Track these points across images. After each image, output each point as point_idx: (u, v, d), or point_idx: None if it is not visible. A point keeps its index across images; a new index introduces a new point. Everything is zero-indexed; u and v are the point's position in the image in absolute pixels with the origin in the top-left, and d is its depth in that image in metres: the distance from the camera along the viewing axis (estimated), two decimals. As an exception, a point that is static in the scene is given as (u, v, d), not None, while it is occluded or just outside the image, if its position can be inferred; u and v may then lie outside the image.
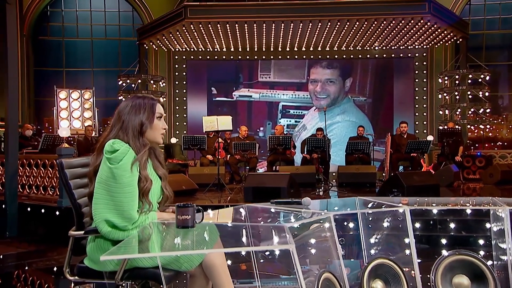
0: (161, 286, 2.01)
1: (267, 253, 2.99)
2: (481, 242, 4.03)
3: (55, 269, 4.57)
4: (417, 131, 12.44)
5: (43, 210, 6.13)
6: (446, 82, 11.99)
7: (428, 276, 2.39)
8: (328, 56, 12.75)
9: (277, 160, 9.06)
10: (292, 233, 1.98)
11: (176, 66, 12.92)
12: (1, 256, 5.06)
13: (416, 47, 12.48)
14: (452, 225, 4.78)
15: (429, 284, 2.38)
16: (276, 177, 6.35)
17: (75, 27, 14.07)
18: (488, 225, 2.77)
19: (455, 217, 4.75)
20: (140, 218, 2.01)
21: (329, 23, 10.56)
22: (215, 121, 7.50)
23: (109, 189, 1.94)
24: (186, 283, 2.15)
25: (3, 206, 6.26)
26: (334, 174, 10.03)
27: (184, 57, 12.89)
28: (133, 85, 11.86)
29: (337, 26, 10.72)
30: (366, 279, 2.24)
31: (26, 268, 4.66)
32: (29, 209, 6.32)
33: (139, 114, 2.11)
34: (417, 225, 4.91)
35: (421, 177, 6.39)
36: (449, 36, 11.49)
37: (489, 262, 2.41)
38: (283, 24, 10.59)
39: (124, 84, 11.76)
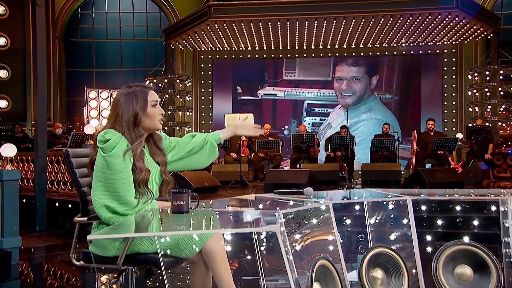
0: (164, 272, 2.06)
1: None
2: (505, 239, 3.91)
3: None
4: (445, 129, 12.15)
5: (70, 205, 6.32)
6: (476, 78, 11.66)
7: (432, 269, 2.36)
8: (353, 54, 12.61)
9: (300, 158, 9.03)
10: (291, 221, 2.01)
11: (202, 65, 13.07)
12: (31, 249, 5.25)
13: (445, 43, 12.20)
14: (475, 222, 4.65)
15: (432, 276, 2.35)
16: (296, 173, 6.37)
17: (105, 29, 14.44)
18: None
19: (479, 213, 4.62)
20: (140, 205, 2.07)
21: (353, 20, 10.46)
22: (237, 119, 7.53)
23: (105, 177, 2.00)
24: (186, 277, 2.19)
25: (33, 201, 6.44)
26: (359, 172, 9.93)
27: (209, 56, 13.02)
28: (160, 85, 12.07)
29: (362, 23, 10.60)
30: (365, 267, 2.23)
31: (55, 260, 4.82)
32: (57, 204, 6.51)
33: (132, 104, 2.13)
34: (439, 222, 4.81)
35: (445, 174, 6.29)
36: (479, 31, 11.17)
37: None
38: (307, 22, 10.56)
39: (151, 84, 11.94)
